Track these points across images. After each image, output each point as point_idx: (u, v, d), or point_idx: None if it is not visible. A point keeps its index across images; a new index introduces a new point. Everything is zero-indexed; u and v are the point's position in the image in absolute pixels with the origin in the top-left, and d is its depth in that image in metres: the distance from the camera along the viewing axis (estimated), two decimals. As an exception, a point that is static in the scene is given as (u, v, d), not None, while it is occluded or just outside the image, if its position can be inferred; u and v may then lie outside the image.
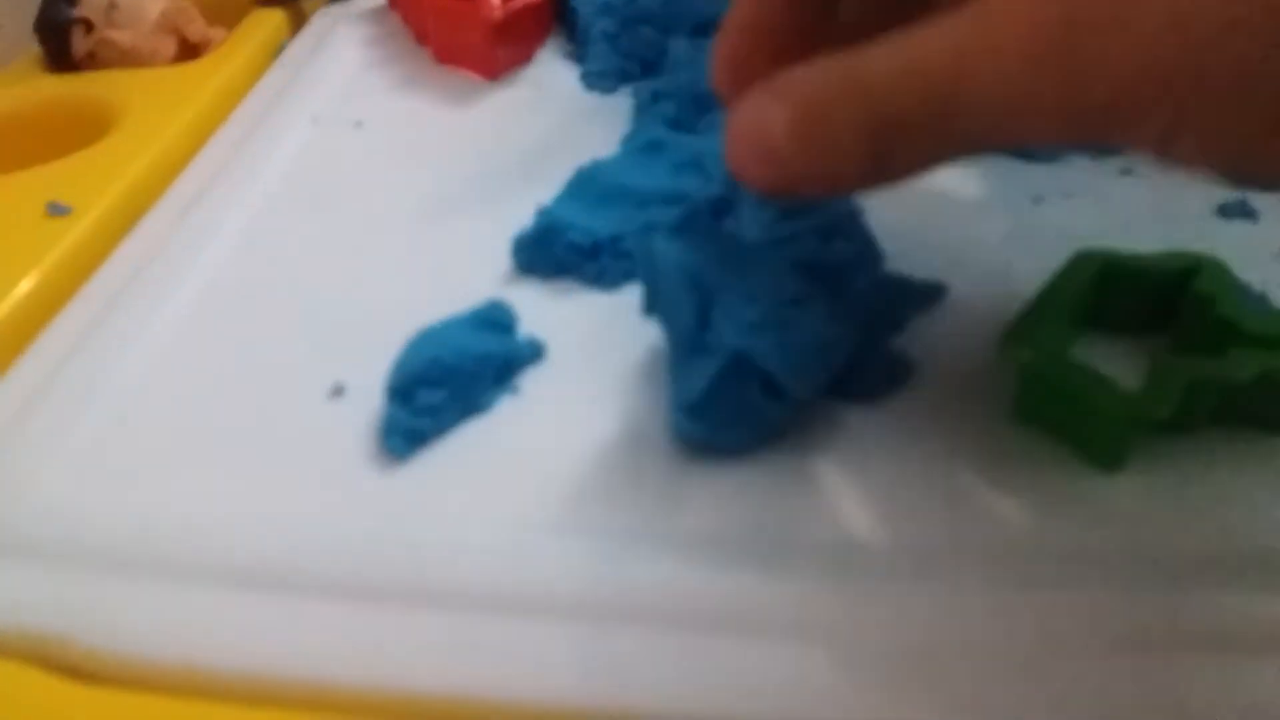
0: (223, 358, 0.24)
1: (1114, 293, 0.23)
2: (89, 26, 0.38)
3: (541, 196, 0.28)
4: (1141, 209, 0.27)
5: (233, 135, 0.33)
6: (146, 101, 0.35)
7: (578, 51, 0.39)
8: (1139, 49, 0.14)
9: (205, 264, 0.27)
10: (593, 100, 0.36)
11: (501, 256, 0.27)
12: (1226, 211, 0.28)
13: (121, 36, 0.38)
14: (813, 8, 0.20)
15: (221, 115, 0.35)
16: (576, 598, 0.18)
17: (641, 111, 0.34)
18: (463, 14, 0.36)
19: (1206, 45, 0.14)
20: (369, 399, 0.22)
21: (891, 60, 0.16)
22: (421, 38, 0.40)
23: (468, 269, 0.26)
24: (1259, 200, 0.28)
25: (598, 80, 0.37)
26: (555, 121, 0.34)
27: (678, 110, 0.32)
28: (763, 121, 0.18)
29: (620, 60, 0.37)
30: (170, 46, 0.40)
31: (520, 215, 0.27)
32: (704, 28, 0.36)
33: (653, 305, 0.22)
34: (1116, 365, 0.21)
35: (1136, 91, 0.14)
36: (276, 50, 0.41)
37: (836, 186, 0.18)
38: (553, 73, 0.38)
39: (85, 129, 0.35)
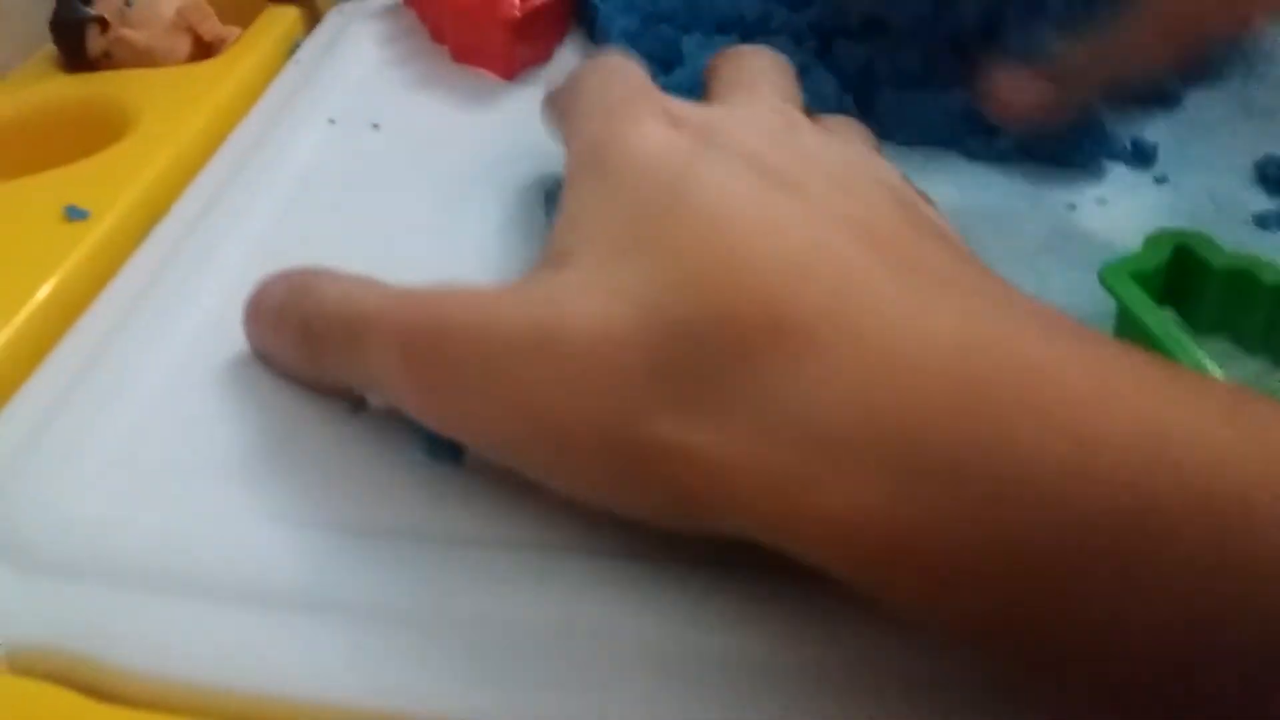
0: (243, 369, 0.23)
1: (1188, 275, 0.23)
2: (104, 25, 0.38)
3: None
4: (1178, 217, 0.27)
5: (248, 138, 0.33)
6: (162, 102, 0.35)
7: (598, 51, 0.38)
8: None
9: (223, 272, 0.26)
10: (612, 100, 0.35)
11: (519, 261, 0.26)
12: (1264, 222, 0.28)
13: (137, 35, 0.38)
14: None
15: (237, 115, 0.35)
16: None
17: None
18: (480, 13, 0.36)
19: None
20: (389, 413, 0.21)
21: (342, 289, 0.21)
22: (438, 35, 0.39)
23: (488, 274, 0.26)
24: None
25: (618, 81, 0.36)
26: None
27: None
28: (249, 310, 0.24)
29: (641, 59, 0.36)
30: (185, 44, 0.39)
31: (536, 220, 0.26)
32: (725, 25, 0.35)
33: None
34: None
35: None
36: (291, 48, 0.40)
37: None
38: (572, 72, 0.37)
39: (102, 131, 0.34)
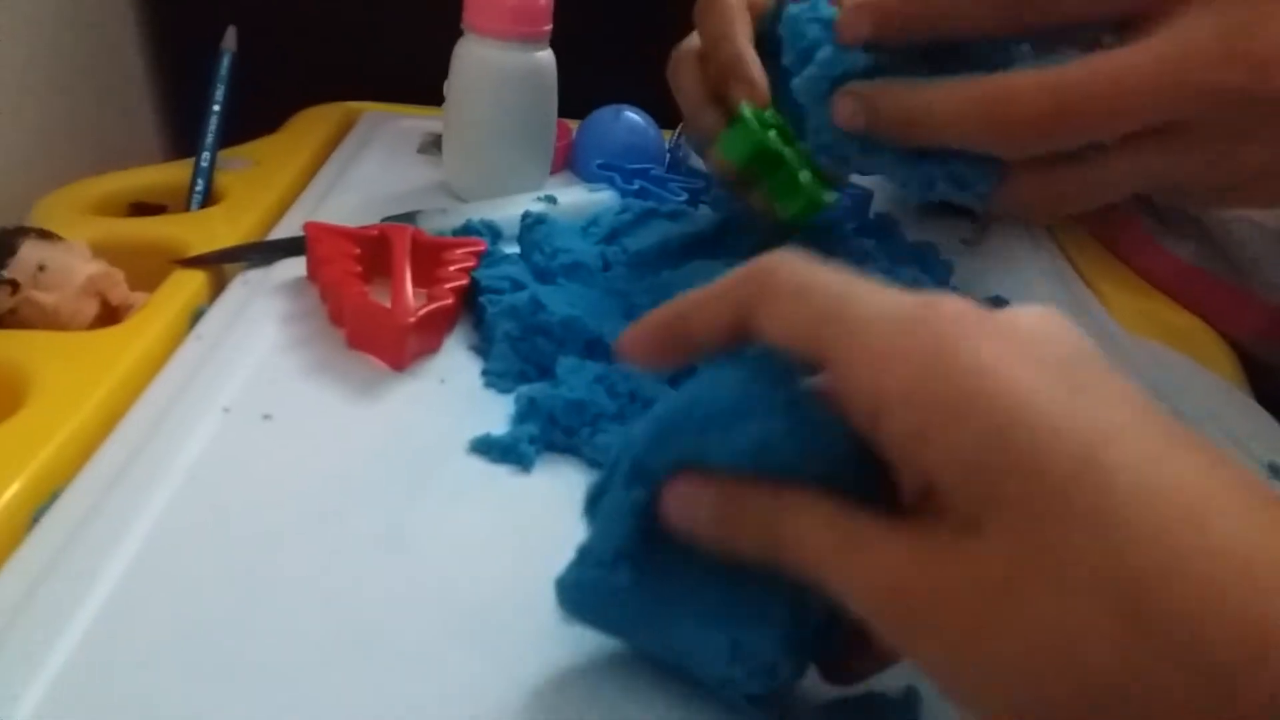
0: (116, 697, 0.25)
1: None
2: (15, 287, 0.40)
3: (437, 513, 0.31)
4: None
5: (144, 422, 0.35)
6: (61, 370, 0.37)
7: (482, 347, 0.42)
8: None
9: (102, 585, 0.28)
10: (490, 398, 0.39)
11: (395, 569, 0.29)
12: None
13: (46, 298, 0.40)
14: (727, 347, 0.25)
15: (136, 389, 0.37)
16: None
17: (520, 418, 0.37)
18: (378, 314, 0.40)
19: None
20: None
21: (802, 531, 0.22)
22: (335, 318, 0.43)
23: (358, 590, 0.29)
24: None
25: (497, 380, 0.40)
26: (454, 420, 0.37)
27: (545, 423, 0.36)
28: (695, 503, 0.24)
29: (520, 363, 0.41)
30: (92, 308, 0.42)
31: (412, 524, 0.29)
32: (592, 345, 0.40)
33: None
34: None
35: None
36: (194, 315, 0.43)
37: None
38: (457, 366, 0.41)
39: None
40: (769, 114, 0.43)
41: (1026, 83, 0.32)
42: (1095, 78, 0.30)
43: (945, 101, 0.34)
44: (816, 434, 0.22)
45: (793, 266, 0.23)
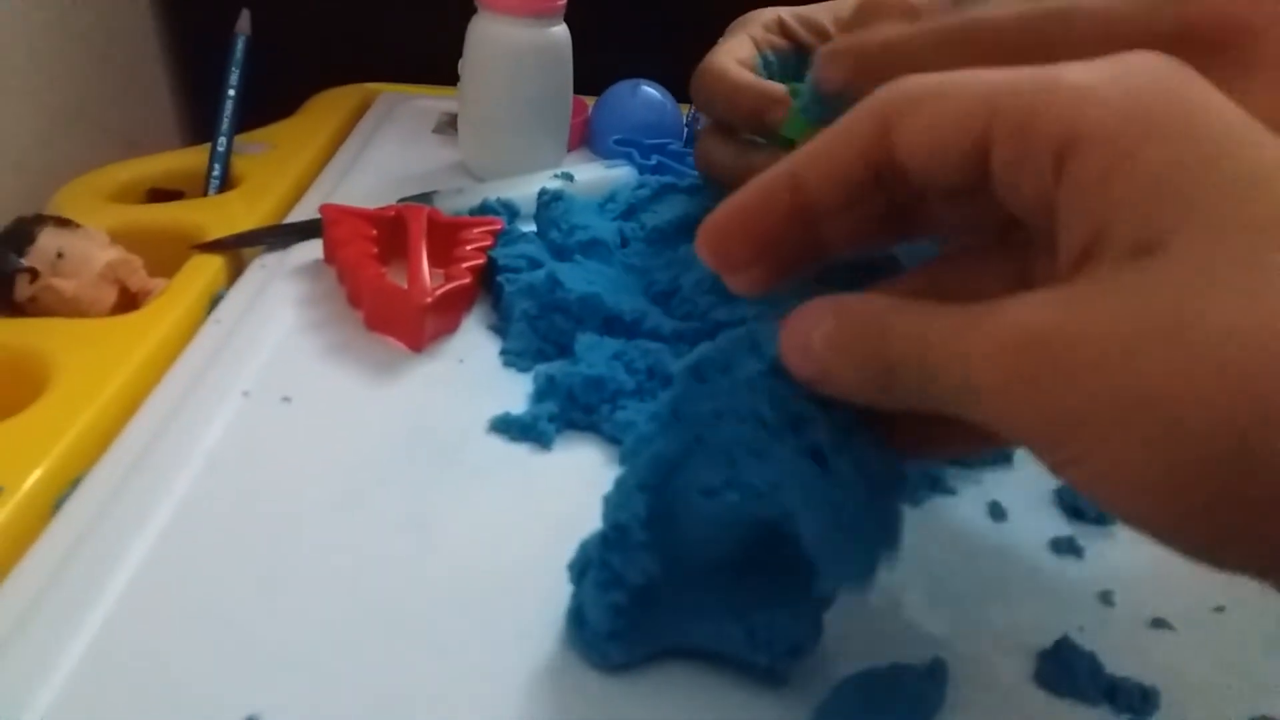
0: (138, 682, 0.25)
1: None
2: (34, 275, 0.40)
3: (457, 493, 0.31)
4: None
5: (164, 407, 0.35)
6: (82, 357, 0.37)
7: (500, 326, 0.42)
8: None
9: (123, 571, 0.28)
10: (509, 377, 0.39)
11: (421, 547, 0.29)
12: (1058, 547, 0.32)
13: (65, 285, 0.40)
14: (805, 220, 0.22)
15: (155, 375, 0.37)
16: None
17: (539, 396, 0.37)
18: (395, 295, 0.40)
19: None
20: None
21: (916, 326, 0.20)
22: (354, 300, 0.43)
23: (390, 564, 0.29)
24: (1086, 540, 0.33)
25: (516, 359, 0.40)
26: (473, 400, 0.37)
27: (564, 401, 0.36)
28: (811, 325, 0.21)
29: (539, 341, 0.40)
30: (111, 295, 0.42)
31: (433, 505, 0.29)
32: (610, 322, 0.40)
33: None
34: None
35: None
36: (213, 300, 0.43)
37: (849, 395, 0.21)
38: (476, 346, 0.41)
39: (20, 381, 0.36)
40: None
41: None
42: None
43: None
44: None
45: (924, 75, 0.20)
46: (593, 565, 0.25)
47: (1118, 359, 0.16)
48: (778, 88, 0.41)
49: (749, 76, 0.43)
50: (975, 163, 0.19)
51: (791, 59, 0.47)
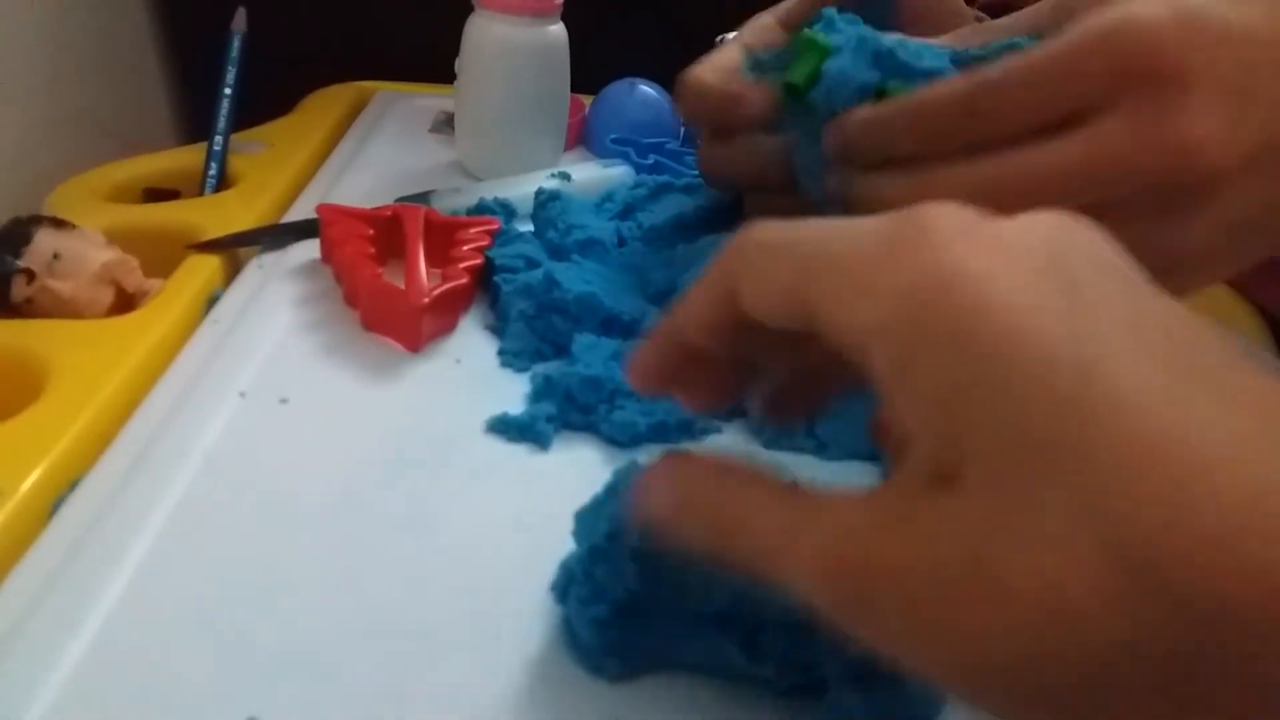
0: (137, 684, 0.25)
1: None
2: (30, 276, 0.40)
3: (455, 494, 0.31)
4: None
5: (162, 408, 0.35)
6: (79, 359, 0.37)
7: (498, 326, 0.42)
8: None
9: (122, 573, 0.28)
10: (507, 378, 0.39)
11: (407, 553, 0.29)
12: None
13: (61, 286, 0.40)
14: (728, 350, 0.23)
15: (153, 376, 0.37)
16: None
17: (536, 396, 0.37)
18: (392, 295, 0.40)
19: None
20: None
21: (748, 513, 0.20)
22: (351, 300, 0.42)
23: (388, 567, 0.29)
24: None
25: (513, 359, 0.40)
26: (471, 400, 0.37)
27: (562, 402, 0.36)
28: (655, 489, 0.23)
29: (536, 341, 0.40)
30: (108, 296, 0.42)
31: (430, 505, 0.29)
32: (608, 322, 0.40)
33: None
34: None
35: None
36: (210, 300, 0.43)
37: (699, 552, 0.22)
38: (473, 346, 0.41)
39: (17, 383, 0.36)
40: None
41: (953, 182, 0.33)
42: (1011, 175, 0.32)
43: (890, 192, 0.35)
44: None
45: (763, 231, 0.21)
46: (575, 581, 0.25)
47: (926, 598, 0.17)
48: (738, 87, 0.42)
49: (711, 79, 0.43)
50: (810, 324, 0.20)
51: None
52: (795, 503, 0.20)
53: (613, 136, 0.61)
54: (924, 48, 0.37)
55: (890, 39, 0.37)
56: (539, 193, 0.48)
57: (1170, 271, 0.34)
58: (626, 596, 0.24)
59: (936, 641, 0.17)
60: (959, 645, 0.17)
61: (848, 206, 0.38)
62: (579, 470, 0.34)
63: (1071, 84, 0.30)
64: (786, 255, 0.20)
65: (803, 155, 0.40)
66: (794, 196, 0.42)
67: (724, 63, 0.45)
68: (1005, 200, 0.31)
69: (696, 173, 0.56)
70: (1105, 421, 0.15)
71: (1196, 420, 0.16)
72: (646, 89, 0.64)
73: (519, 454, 0.35)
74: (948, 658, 0.17)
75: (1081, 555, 0.15)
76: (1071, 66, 0.30)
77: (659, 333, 0.24)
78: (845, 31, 0.38)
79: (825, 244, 0.20)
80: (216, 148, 0.55)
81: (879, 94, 0.37)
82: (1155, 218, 0.32)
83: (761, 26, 0.47)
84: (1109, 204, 0.31)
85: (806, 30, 0.40)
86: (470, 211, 0.50)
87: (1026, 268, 0.17)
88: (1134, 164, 0.30)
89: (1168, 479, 0.15)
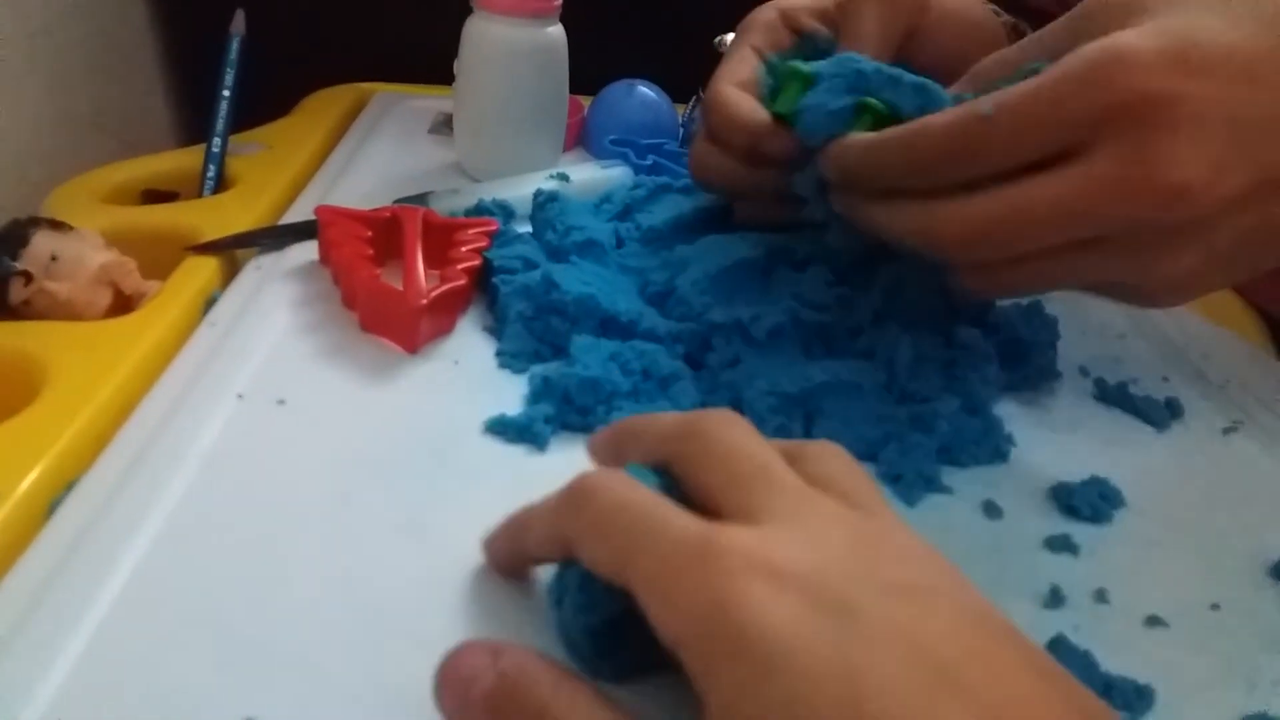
0: (134, 685, 0.25)
1: None
2: (28, 278, 0.40)
3: (452, 495, 0.31)
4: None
5: (159, 410, 0.35)
6: (77, 360, 0.37)
7: (496, 327, 0.42)
8: None
9: (119, 574, 0.28)
10: (505, 379, 0.39)
11: (405, 555, 0.29)
12: (1053, 545, 0.32)
13: (59, 288, 0.40)
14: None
15: (150, 378, 0.37)
16: None
17: (534, 397, 0.37)
18: (390, 296, 0.40)
19: None
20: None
21: None
22: (349, 301, 0.43)
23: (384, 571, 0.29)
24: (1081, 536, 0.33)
25: (511, 360, 0.40)
26: (469, 402, 0.37)
27: (560, 403, 0.36)
28: (472, 676, 0.23)
29: (534, 342, 0.40)
30: (106, 297, 0.42)
31: (428, 506, 0.29)
32: (606, 324, 0.40)
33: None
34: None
35: None
36: (208, 302, 0.43)
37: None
38: (471, 347, 0.41)
39: (15, 384, 0.36)
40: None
41: (948, 213, 0.34)
42: (1004, 209, 0.32)
43: (888, 218, 0.36)
44: None
45: (602, 494, 0.23)
46: (568, 591, 0.25)
47: None
48: (766, 125, 0.42)
49: (743, 110, 0.43)
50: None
51: (797, 51, 0.47)
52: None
53: (611, 138, 0.61)
54: (902, 71, 0.38)
55: (871, 64, 0.38)
56: (537, 194, 0.48)
57: (1166, 292, 0.35)
58: (619, 607, 0.24)
59: None
60: None
61: (847, 226, 0.39)
62: (576, 471, 0.33)
63: (1058, 121, 0.31)
64: (612, 536, 0.23)
65: (803, 177, 0.40)
66: (783, 206, 0.42)
67: (744, 74, 0.45)
68: (998, 235, 0.33)
69: (691, 177, 0.56)
70: None
71: None
72: (645, 90, 0.64)
73: (517, 455, 0.35)
74: None
75: None
76: (1057, 104, 0.31)
77: (505, 531, 0.28)
78: (826, 54, 0.39)
79: (645, 536, 0.22)
80: (215, 149, 0.55)
81: (860, 110, 0.37)
82: (1148, 247, 0.33)
83: (766, 24, 0.47)
84: (1102, 235, 0.33)
85: (787, 62, 0.41)
86: (469, 213, 0.50)
87: (802, 592, 0.20)
88: (1118, 205, 0.31)
89: None
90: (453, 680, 0.23)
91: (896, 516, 0.24)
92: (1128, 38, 0.30)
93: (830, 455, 0.25)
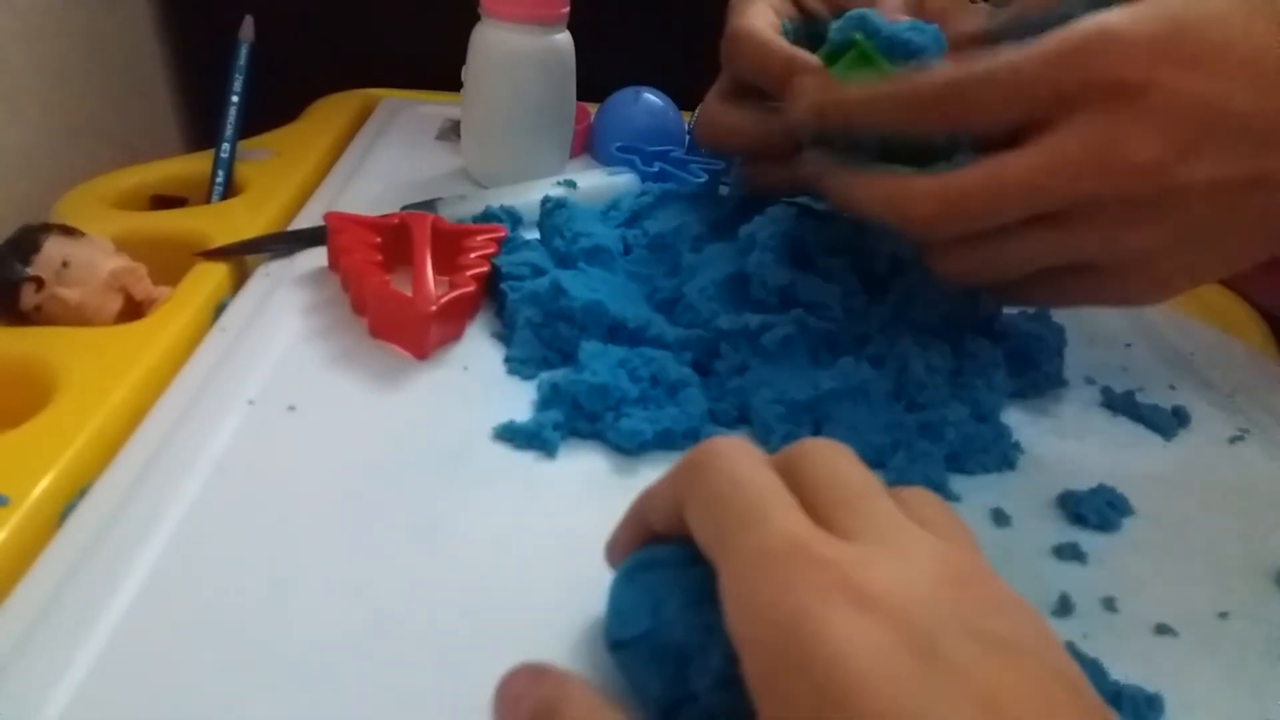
0: (147, 692, 0.25)
1: None
2: (40, 284, 0.40)
3: (462, 501, 0.31)
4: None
5: (169, 417, 0.35)
6: (88, 366, 0.37)
7: (504, 333, 0.42)
8: None
9: (131, 581, 0.28)
10: (514, 385, 0.39)
11: (415, 560, 0.29)
12: (1061, 553, 0.32)
13: (70, 294, 0.41)
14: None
15: (161, 384, 0.37)
16: None
17: (543, 404, 0.37)
18: (399, 302, 0.40)
19: None
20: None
21: None
22: (358, 308, 0.43)
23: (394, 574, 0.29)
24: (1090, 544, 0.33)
25: (520, 366, 0.40)
26: (478, 408, 0.37)
27: (569, 409, 0.36)
28: (519, 698, 0.23)
29: (543, 349, 0.40)
30: (116, 303, 0.42)
31: (438, 513, 0.29)
32: (614, 330, 0.40)
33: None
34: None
35: None
36: (218, 308, 0.43)
37: None
38: (480, 354, 0.41)
39: (26, 390, 0.36)
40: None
41: (920, 186, 0.35)
42: (975, 182, 0.33)
43: (860, 190, 0.36)
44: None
45: (720, 464, 0.23)
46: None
47: None
48: (808, 57, 0.41)
49: (781, 41, 0.43)
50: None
51: (803, 30, 0.47)
52: None
53: (618, 144, 0.61)
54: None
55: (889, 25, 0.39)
56: (545, 200, 0.49)
57: (1143, 280, 0.35)
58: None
59: None
60: None
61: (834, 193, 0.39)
62: (585, 477, 0.34)
63: (1041, 89, 0.32)
64: (718, 512, 0.22)
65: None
66: (793, 169, 0.42)
67: (772, 21, 0.45)
68: (969, 207, 0.34)
69: (701, 181, 0.57)
70: None
71: None
72: (651, 97, 0.64)
73: (526, 461, 0.35)
74: None
75: None
76: (1043, 72, 0.32)
77: (627, 520, 0.27)
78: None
79: (745, 526, 0.22)
80: (224, 155, 0.55)
81: (847, 46, 0.39)
82: (1121, 220, 0.33)
83: None
84: (1077, 206, 0.33)
85: (858, 36, 0.40)
86: (477, 219, 0.50)
87: (884, 626, 0.19)
88: (1080, 181, 0.32)
89: None
90: (502, 698, 0.23)
91: (991, 568, 0.23)
92: (1121, 19, 0.31)
93: (928, 500, 0.25)
